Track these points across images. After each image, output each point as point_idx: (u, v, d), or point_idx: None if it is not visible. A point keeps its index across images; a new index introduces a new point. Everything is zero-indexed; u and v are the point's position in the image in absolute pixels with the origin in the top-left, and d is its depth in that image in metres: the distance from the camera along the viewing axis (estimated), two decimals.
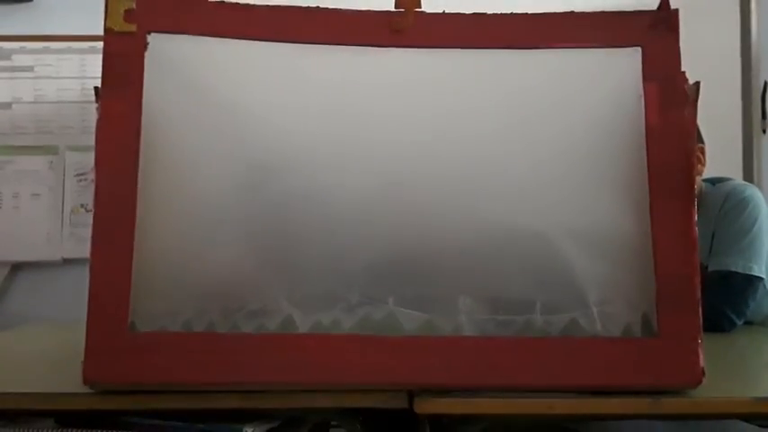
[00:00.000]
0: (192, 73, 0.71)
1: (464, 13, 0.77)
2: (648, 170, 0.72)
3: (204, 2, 0.70)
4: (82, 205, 1.76)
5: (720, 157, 1.64)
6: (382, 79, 0.75)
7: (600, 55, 0.75)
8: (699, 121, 1.69)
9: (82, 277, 1.90)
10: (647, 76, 0.74)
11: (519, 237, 0.71)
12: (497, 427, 0.71)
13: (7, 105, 1.79)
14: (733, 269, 1.09)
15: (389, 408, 0.66)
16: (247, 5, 0.73)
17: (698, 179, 1.20)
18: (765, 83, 1.83)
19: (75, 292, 1.77)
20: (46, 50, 1.80)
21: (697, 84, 0.74)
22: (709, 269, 1.12)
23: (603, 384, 0.68)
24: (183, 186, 0.69)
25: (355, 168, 0.70)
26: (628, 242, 0.71)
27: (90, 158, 1.84)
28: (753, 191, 1.18)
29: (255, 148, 0.71)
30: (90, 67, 1.79)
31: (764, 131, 1.84)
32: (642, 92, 0.73)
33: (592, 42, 0.76)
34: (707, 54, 1.78)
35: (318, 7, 0.75)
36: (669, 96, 0.74)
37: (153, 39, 0.70)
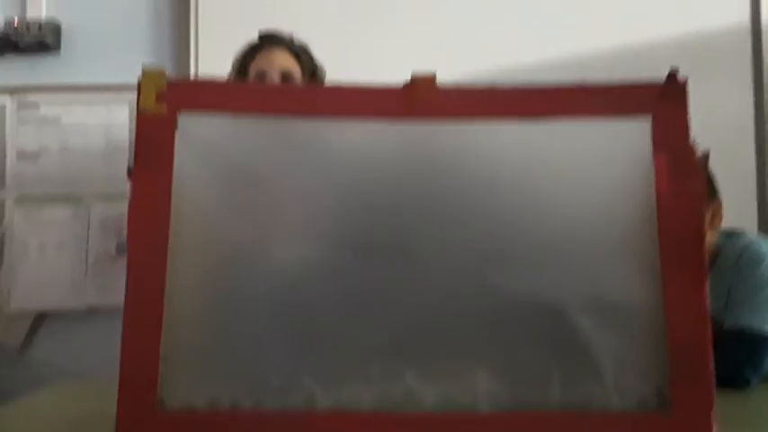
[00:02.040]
0: (220, 149, 0.75)
1: (479, 87, 0.80)
2: (660, 240, 0.73)
3: (230, 83, 0.74)
4: (106, 253, 1.81)
5: (735, 197, 1.65)
6: (401, 152, 0.78)
7: (611, 125, 0.78)
8: (713, 166, 1.71)
9: (105, 325, 1.96)
10: (657, 146, 0.76)
11: (535, 309, 0.72)
12: None
13: (35, 155, 1.86)
14: (747, 327, 1.09)
15: None
16: (268, 86, 0.77)
17: (714, 233, 1.21)
18: None
19: (98, 339, 1.82)
20: (73, 101, 1.87)
21: (706, 154, 0.76)
22: (725, 326, 1.13)
23: None
24: (211, 262, 0.72)
25: (377, 245, 0.73)
26: (641, 312, 0.72)
27: (113, 208, 1.90)
28: None
29: (281, 223, 0.74)
30: (115, 115, 1.86)
31: None
32: (653, 161, 0.76)
33: (603, 113, 0.78)
34: (720, 91, 1.81)
35: (340, 85, 0.78)
36: (679, 166, 0.75)
37: (182, 118, 0.74)
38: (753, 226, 1.76)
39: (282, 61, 1.20)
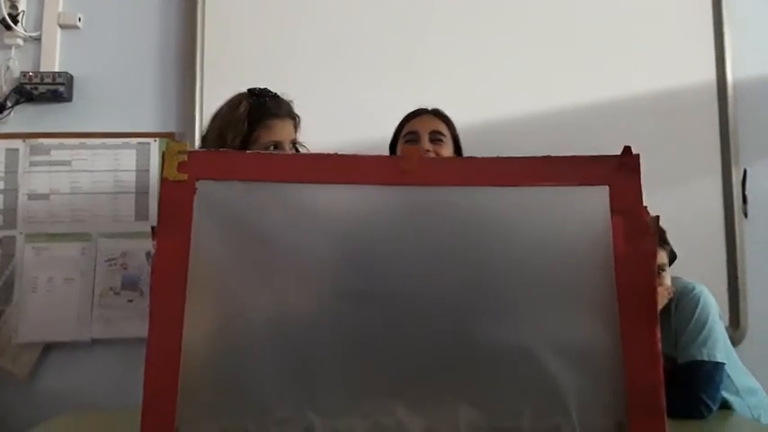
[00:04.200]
0: (231, 212, 0.85)
1: (459, 157, 0.91)
2: (618, 293, 0.84)
3: (244, 153, 0.85)
4: (111, 288, 1.89)
5: (704, 243, 1.77)
6: (391, 213, 0.89)
7: (575, 192, 0.89)
8: (683, 212, 1.84)
9: (108, 356, 2.03)
10: (614, 211, 0.87)
11: (509, 352, 0.82)
12: None
13: (45, 196, 1.96)
14: (699, 358, 1.23)
15: None
16: (279, 155, 0.88)
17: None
18: (745, 171, 1.97)
19: (101, 370, 1.89)
20: (82, 146, 1.98)
21: (656, 217, 0.88)
22: (679, 362, 1.26)
23: None
24: (222, 310, 0.82)
25: (370, 295, 0.83)
26: (602, 356, 0.83)
27: (119, 245, 1.98)
28: (700, 287, 1.34)
29: (283, 274, 0.84)
30: (122, 160, 1.96)
31: (746, 215, 1.97)
32: (610, 224, 0.87)
33: (567, 181, 0.89)
34: (689, 143, 1.95)
35: (337, 153, 0.90)
36: (634, 228, 0.86)
37: (201, 185, 0.85)
38: (721, 255, 1.86)
39: (290, 132, 1.32)
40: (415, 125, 1.45)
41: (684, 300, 1.30)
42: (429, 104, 1.49)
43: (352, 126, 1.80)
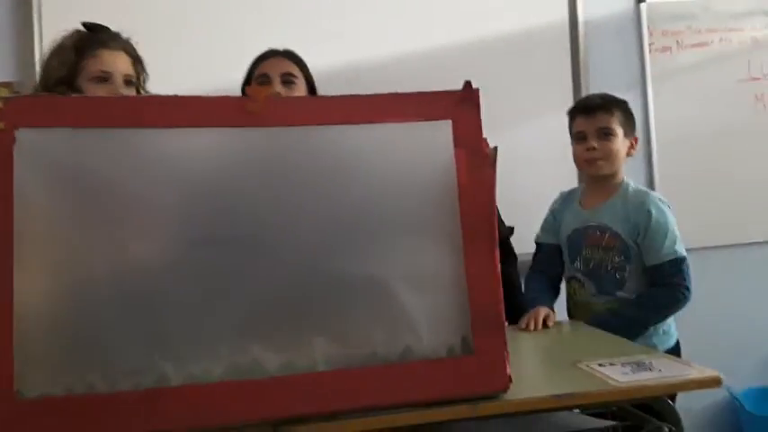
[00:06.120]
0: (63, 162, 0.80)
1: (305, 97, 0.90)
2: (461, 220, 0.90)
3: (69, 98, 0.79)
4: None
5: (559, 173, 1.90)
6: (240, 156, 0.87)
7: (420, 127, 0.92)
8: (538, 145, 1.98)
9: None
10: (457, 143, 0.91)
11: (359, 284, 0.86)
12: None
13: None
14: (667, 258, 1.41)
15: None
16: (109, 98, 0.82)
17: (622, 169, 1.52)
18: None
19: None
20: None
21: (495, 148, 0.93)
22: (649, 264, 1.43)
23: (435, 397, 0.85)
24: (58, 265, 0.77)
25: (219, 239, 0.82)
26: (447, 279, 0.88)
27: None
28: (662, 199, 1.50)
29: (127, 224, 0.81)
30: None
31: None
32: (454, 157, 0.91)
33: (413, 117, 0.92)
34: (543, 79, 2.07)
35: (177, 95, 0.86)
36: (475, 160, 0.91)
37: (21, 133, 0.78)
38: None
39: (122, 65, 1.22)
40: (265, 67, 1.41)
41: (656, 215, 1.44)
42: (280, 46, 1.45)
43: (202, 71, 1.73)
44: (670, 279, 1.40)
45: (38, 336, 0.75)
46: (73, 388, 0.74)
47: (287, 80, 1.38)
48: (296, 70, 1.40)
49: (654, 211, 1.44)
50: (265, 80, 1.39)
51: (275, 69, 1.39)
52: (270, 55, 1.44)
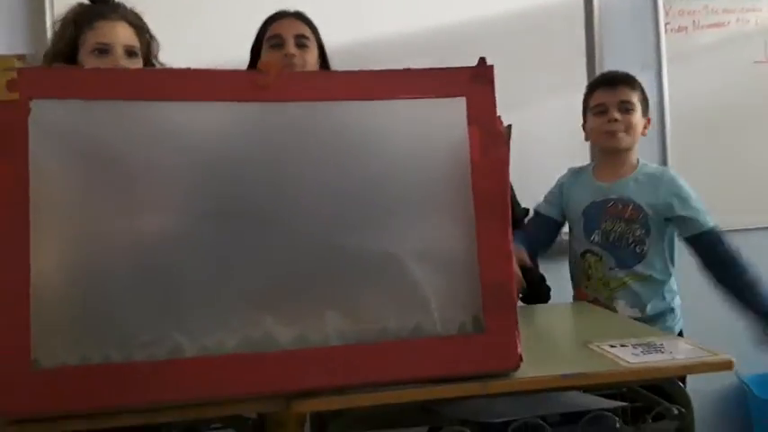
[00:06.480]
0: (76, 134, 0.80)
1: (317, 72, 0.88)
2: (474, 198, 0.89)
3: (83, 69, 0.78)
4: None
5: (572, 154, 1.89)
6: (251, 129, 0.87)
7: (434, 104, 0.91)
8: (552, 125, 1.95)
9: None
10: (470, 121, 0.91)
11: (373, 259, 0.86)
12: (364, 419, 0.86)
13: None
14: (709, 223, 1.43)
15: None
16: (122, 70, 0.82)
17: (635, 146, 1.52)
18: None
19: None
20: None
21: (509, 126, 0.92)
22: (695, 232, 1.43)
23: (445, 374, 0.85)
24: (74, 237, 0.78)
25: (232, 212, 0.82)
26: (459, 257, 0.88)
27: None
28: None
29: (139, 196, 0.81)
30: None
31: None
32: (467, 134, 0.90)
33: (426, 93, 0.91)
34: (557, 59, 2.03)
35: (189, 68, 0.85)
36: (488, 137, 0.90)
37: (35, 105, 0.78)
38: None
39: (123, 35, 1.20)
40: (278, 28, 1.36)
41: (677, 183, 1.46)
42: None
43: (216, 45, 1.72)
44: (721, 241, 1.41)
45: (54, 306, 0.76)
46: (89, 358, 0.75)
47: (300, 42, 1.35)
48: (308, 32, 1.36)
49: (683, 184, 1.46)
50: (278, 42, 1.35)
51: (288, 31, 1.35)
52: (281, 16, 1.40)
